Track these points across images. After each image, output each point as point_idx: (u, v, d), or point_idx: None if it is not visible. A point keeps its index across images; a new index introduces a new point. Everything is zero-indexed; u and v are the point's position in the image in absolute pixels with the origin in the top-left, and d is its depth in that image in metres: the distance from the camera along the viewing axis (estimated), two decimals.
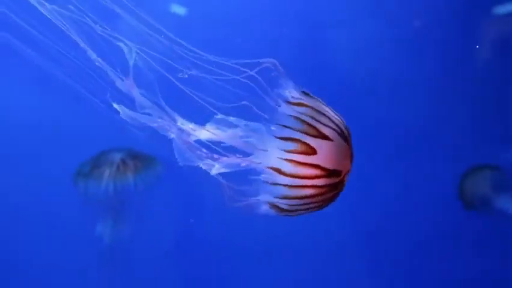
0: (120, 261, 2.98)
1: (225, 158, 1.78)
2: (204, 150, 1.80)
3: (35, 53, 1.88)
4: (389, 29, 3.38)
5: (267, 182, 1.78)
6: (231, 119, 1.81)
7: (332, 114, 1.84)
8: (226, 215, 3.02)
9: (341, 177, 1.82)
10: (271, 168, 1.78)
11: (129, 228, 2.96)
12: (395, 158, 3.16)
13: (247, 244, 3.17)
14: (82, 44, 1.78)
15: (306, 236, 3.06)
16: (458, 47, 3.44)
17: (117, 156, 2.86)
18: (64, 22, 1.77)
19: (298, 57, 3.23)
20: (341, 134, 1.82)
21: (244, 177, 1.79)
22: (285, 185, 1.77)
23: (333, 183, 1.81)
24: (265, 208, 1.82)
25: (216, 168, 1.77)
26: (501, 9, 3.50)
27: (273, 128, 1.78)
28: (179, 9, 2.95)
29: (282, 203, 1.80)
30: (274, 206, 1.82)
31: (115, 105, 1.78)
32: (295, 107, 1.80)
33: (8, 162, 3.02)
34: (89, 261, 2.99)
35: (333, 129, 1.81)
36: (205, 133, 1.79)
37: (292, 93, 1.82)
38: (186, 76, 1.82)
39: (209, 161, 1.77)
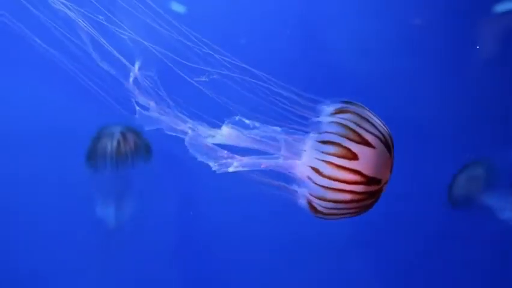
0: (122, 243, 2.90)
1: (244, 158, 1.72)
2: (223, 150, 1.74)
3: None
4: (388, 27, 3.34)
5: (306, 178, 1.73)
6: (247, 122, 1.76)
7: (377, 121, 1.79)
8: (227, 203, 2.98)
9: (380, 186, 1.78)
10: (311, 167, 1.72)
11: (132, 210, 2.89)
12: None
13: (247, 235, 3.13)
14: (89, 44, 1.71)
15: (300, 228, 3.04)
16: (457, 45, 3.43)
17: (117, 130, 2.83)
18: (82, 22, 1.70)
19: (300, 56, 3.17)
20: (385, 142, 1.77)
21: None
22: (322, 186, 1.72)
23: (372, 191, 1.77)
24: (303, 202, 1.78)
25: (234, 167, 1.71)
26: (501, 8, 3.50)
27: (313, 134, 1.73)
28: (178, 8, 2.84)
29: (318, 204, 1.75)
30: (310, 204, 1.77)
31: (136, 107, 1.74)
32: (338, 115, 1.74)
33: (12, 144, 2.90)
34: (92, 243, 2.90)
35: (377, 136, 1.75)
36: (224, 135, 1.72)
37: (330, 107, 1.77)
38: (207, 80, 1.78)
39: (227, 160, 1.71)
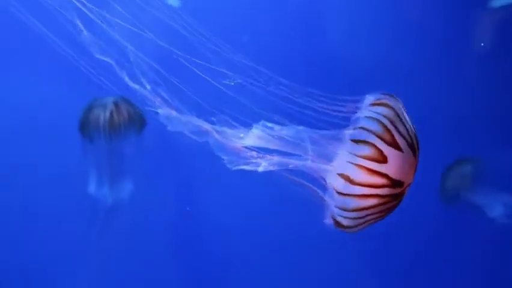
0: (116, 221, 2.85)
1: (272, 157, 1.68)
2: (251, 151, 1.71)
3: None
4: (384, 22, 3.33)
5: (334, 192, 1.69)
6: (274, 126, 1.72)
7: (409, 123, 1.76)
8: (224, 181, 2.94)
9: (403, 188, 1.77)
10: (340, 175, 1.69)
11: (127, 187, 2.83)
12: None
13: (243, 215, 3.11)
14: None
15: (298, 226, 3.03)
16: (454, 40, 3.44)
17: (110, 100, 2.76)
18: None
19: (301, 49, 3.14)
20: (411, 145, 1.75)
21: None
22: (350, 195, 1.69)
23: (395, 194, 1.76)
24: (329, 221, 1.74)
25: (263, 167, 1.67)
26: (498, 2, 3.51)
27: (348, 131, 1.69)
28: (173, 1, 2.78)
29: (345, 217, 1.72)
30: (336, 221, 1.74)
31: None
32: (379, 108, 1.70)
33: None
34: (87, 220, 2.84)
35: (406, 139, 1.73)
36: (253, 137, 1.68)
37: (370, 98, 1.73)
38: (233, 83, 1.74)
39: (256, 160, 1.67)
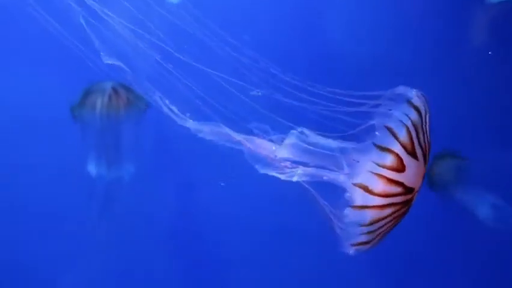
0: (116, 201, 2.82)
1: (306, 168, 1.68)
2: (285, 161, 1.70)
3: None
4: (381, 18, 3.32)
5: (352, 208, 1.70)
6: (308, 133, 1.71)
7: (428, 132, 1.78)
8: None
9: (413, 194, 1.79)
10: (359, 185, 1.70)
11: (126, 168, 2.80)
12: None
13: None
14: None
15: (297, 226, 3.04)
16: (450, 35, 3.44)
17: (108, 85, 2.75)
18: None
19: (302, 47, 3.11)
20: (425, 155, 1.78)
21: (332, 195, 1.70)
22: (369, 206, 1.70)
23: (406, 200, 1.78)
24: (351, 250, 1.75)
25: (298, 176, 1.66)
26: None
27: (377, 133, 1.68)
28: None
29: (363, 233, 1.74)
30: (359, 243, 1.75)
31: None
32: (410, 111, 1.69)
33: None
34: (84, 201, 2.80)
35: (423, 149, 1.75)
36: (285, 149, 1.67)
37: (415, 93, 1.71)
38: (259, 94, 1.75)
39: (289, 170, 1.66)
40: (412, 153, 1.72)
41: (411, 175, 1.73)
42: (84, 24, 1.66)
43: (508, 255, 3.43)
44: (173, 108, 1.64)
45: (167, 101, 1.63)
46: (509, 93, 3.47)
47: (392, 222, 1.78)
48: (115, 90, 2.72)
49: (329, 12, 3.20)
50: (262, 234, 3.12)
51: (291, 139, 1.68)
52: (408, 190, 1.74)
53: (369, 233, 1.73)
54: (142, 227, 3.00)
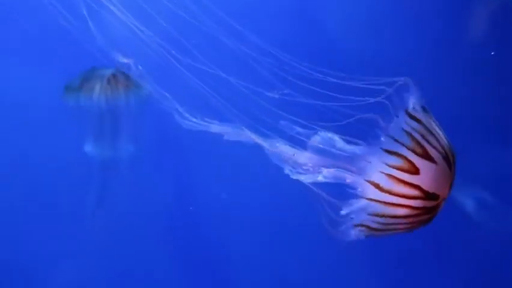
0: (113, 183, 2.86)
1: (326, 170, 1.75)
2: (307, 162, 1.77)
3: None
4: (379, 12, 3.27)
5: (363, 198, 1.73)
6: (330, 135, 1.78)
7: (441, 135, 1.78)
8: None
9: (438, 201, 1.76)
10: (370, 182, 1.73)
11: (123, 149, 2.82)
12: None
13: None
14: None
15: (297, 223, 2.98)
16: (450, 29, 3.30)
17: (108, 72, 2.75)
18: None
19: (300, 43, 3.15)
20: (446, 158, 1.76)
21: (340, 192, 1.74)
22: (381, 201, 1.72)
23: (429, 207, 1.76)
24: (355, 233, 1.77)
25: (316, 179, 1.74)
26: None
27: (382, 139, 1.73)
28: None
29: (373, 221, 1.75)
30: (365, 226, 1.77)
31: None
32: (410, 121, 1.74)
33: None
34: (81, 181, 2.85)
35: (440, 152, 1.74)
36: (307, 153, 1.76)
37: (414, 104, 1.76)
38: (277, 96, 1.82)
39: (311, 172, 1.74)
40: (425, 156, 1.72)
41: (430, 179, 1.73)
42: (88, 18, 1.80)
43: (507, 254, 3.15)
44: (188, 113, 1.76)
45: (179, 107, 1.75)
46: (509, 93, 3.25)
47: (410, 225, 1.76)
48: (114, 76, 2.70)
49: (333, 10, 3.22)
50: (262, 227, 3.04)
51: (312, 142, 1.76)
52: (428, 195, 1.72)
53: (381, 224, 1.74)
54: (140, 216, 2.95)
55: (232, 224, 3.09)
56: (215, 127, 1.80)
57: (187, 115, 1.75)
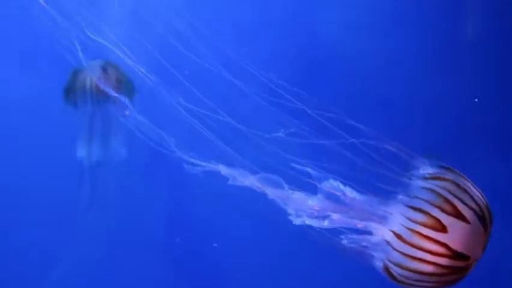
0: (104, 183, 2.83)
1: (338, 215, 1.73)
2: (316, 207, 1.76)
3: None
4: (379, 9, 3.12)
5: (385, 242, 1.71)
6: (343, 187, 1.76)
7: (476, 192, 1.70)
8: None
9: (468, 262, 1.69)
10: (393, 232, 1.70)
11: (116, 149, 2.75)
12: None
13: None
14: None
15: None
16: (448, 27, 3.11)
17: (98, 63, 2.63)
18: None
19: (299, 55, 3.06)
20: (481, 217, 1.68)
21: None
22: (402, 253, 1.69)
23: (457, 267, 1.69)
24: (379, 265, 1.75)
25: (330, 221, 1.73)
26: None
27: (402, 196, 1.71)
28: None
29: (395, 271, 1.71)
30: (387, 269, 1.74)
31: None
32: (432, 181, 1.70)
33: None
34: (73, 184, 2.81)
35: (473, 210, 1.67)
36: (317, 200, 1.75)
37: (426, 169, 1.73)
38: (283, 135, 1.82)
39: (320, 217, 1.73)
40: (456, 215, 1.66)
41: (459, 238, 1.66)
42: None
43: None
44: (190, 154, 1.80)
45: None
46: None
47: (437, 284, 1.70)
48: (104, 70, 2.60)
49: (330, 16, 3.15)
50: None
51: (323, 189, 1.76)
52: (457, 255, 1.66)
53: (404, 277, 1.71)
54: (133, 215, 2.94)
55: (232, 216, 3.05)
56: (223, 168, 1.82)
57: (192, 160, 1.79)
